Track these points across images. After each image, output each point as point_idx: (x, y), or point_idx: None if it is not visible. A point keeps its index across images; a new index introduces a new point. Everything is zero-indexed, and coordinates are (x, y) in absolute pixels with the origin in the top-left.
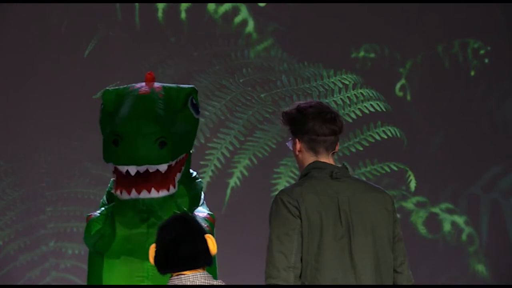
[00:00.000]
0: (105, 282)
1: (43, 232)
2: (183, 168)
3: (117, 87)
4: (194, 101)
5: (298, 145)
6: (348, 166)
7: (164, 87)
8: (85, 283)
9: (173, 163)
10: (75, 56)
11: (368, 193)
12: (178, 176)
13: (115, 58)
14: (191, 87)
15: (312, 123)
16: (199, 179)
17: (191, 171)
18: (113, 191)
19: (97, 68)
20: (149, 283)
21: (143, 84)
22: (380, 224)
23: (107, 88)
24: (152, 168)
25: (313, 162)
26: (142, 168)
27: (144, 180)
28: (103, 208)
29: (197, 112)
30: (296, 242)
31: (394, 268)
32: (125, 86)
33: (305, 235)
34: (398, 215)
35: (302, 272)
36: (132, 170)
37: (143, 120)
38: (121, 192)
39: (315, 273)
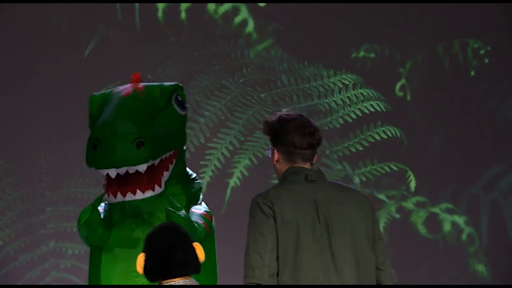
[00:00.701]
0: (103, 278)
1: (43, 232)
2: (170, 166)
3: (103, 92)
4: (179, 98)
5: (276, 155)
6: (322, 172)
7: (146, 87)
8: (85, 283)
9: (156, 162)
10: (75, 56)
11: (345, 194)
12: (165, 175)
13: (115, 58)
14: (175, 84)
15: (291, 136)
16: (198, 180)
17: (190, 172)
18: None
19: (97, 68)
20: (143, 279)
21: (128, 85)
22: (358, 223)
23: (93, 93)
24: (131, 170)
25: (290, 167)
26: (121, 170)
27: (129, 181)
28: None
29: (183, 108)
30: (270, 242)
31: (377, 266)
32: (111, 89)
33: (281, 235)
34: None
35: (280, 270)
36: (112, 173)
37: (119, 122)
38: (108, 196)
39: (295, 271)
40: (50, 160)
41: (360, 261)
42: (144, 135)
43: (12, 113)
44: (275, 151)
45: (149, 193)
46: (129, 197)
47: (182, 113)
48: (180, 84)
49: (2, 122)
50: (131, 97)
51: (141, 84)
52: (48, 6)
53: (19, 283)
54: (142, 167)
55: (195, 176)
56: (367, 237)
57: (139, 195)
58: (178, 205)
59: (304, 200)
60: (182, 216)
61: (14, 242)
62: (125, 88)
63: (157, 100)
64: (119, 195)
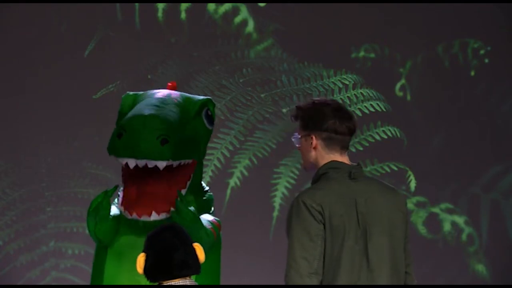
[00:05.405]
0: (107, 275)
1: (43, 232)
2: (188, 182)
3: (137, 92)
4: (210, 113)
5: (314, 141)
6: (361, 166)
7: (181, 95)
8: (85, 283)
9: (175, 163)
10: (75, 56)
11: (384, 194)
12: (183, 191)
13: (115, 58)
14: (207, 98)
15: (332, 121)
16: (211, 192)
17: (204, 184)
18: (117, 205)
19: (97, 68)
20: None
21: (163, 90)
22: (395, 225)
23: (128, 92)
24: (150, 164)
25: (330, 162)
26: (141, 163)
27: (146, 199)
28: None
29: (211, 123)
30: (319, 248)
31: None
32: (145, 91)
33: (328, 240)
34: None
35: (323, 276)
36: (131, 163)
37: (149, 116)
38: (124, 210)
39: (334, 276)
40: (50, 160)
41: (396, 264)
42: (170, 134)
43: (12, 113)
44: (313, 137)
45: (163, 216)
46: (144, 218)
47: (209, 128)
48: (212, 100)
49: (2, 122)
50: (165, 98)
51: (176, 92)
52: (48, 6)
53: (19, 283)
54: (162, 164)
55: (208, 189)
56: (402, 239)
57: (154, 217)
58: (188, 201)
59: (347, 203)
60: (192, 211)
61: (14, 242)
62: (160, 91)
63: (189, 109)
64: (134, 215)
